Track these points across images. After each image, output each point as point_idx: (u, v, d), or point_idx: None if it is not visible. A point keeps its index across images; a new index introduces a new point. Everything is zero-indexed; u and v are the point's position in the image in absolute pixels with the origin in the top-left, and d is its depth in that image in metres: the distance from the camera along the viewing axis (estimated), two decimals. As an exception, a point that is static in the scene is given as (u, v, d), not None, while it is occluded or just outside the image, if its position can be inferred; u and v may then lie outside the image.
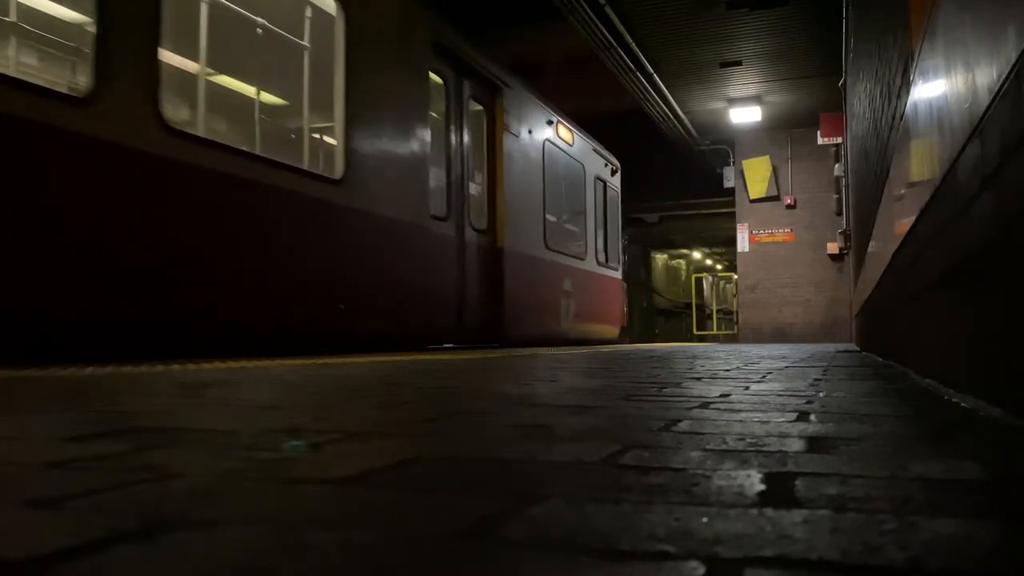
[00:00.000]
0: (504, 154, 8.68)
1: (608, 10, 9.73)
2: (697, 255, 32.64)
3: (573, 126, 11.23)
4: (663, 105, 13.43)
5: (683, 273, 33.39)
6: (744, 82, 12.80)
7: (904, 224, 2.97)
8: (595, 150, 12.22)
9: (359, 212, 6.05)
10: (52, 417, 1.59)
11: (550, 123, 10.21)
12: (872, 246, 5.56)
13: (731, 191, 15.67)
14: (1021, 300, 1.24)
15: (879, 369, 3.52)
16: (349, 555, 0.60)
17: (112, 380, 2.63)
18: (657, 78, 12.12)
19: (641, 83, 12.15)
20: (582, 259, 11.43)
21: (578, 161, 11.49)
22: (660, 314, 28.91)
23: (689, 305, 24.42)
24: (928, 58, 2.13)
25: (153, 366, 3.51)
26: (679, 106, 13.79)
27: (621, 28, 10.26)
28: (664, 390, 2.22)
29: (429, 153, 7.07)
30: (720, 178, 15.95)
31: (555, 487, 0.85)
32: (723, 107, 13.90)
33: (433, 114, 7.45)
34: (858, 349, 7.85)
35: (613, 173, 13.18)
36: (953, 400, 1.83)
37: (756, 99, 13.49)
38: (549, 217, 10.08)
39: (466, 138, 8.02)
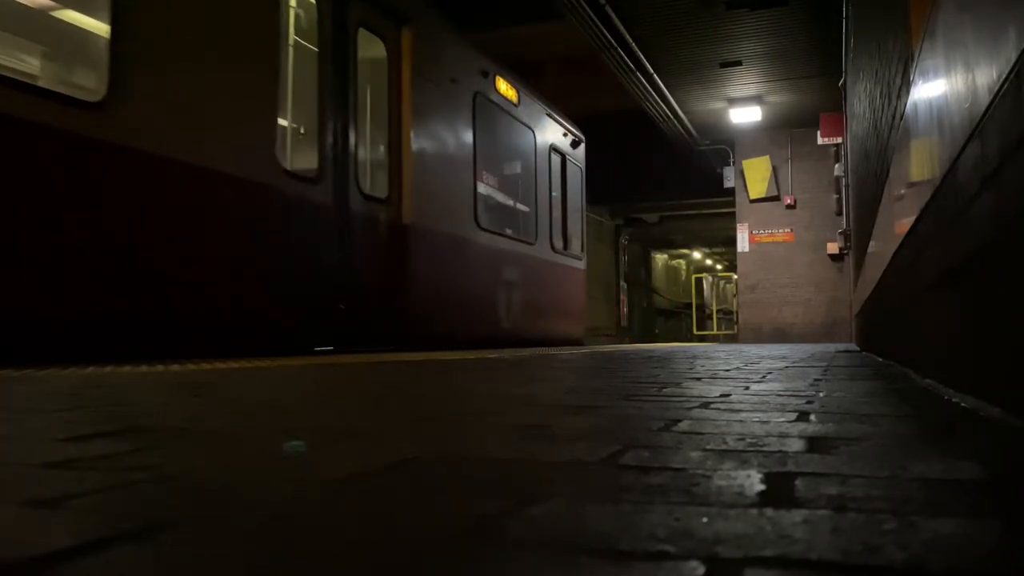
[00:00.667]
0: (412, 104, 6.79)
1: (608, 10, 9.73)
2: (697, 255, 32.65)
3: (519, 84, 9.44)
4: (663, 105, 13.43)
5: (683, 273, 33.41)
6: (744, 82, 12.80)
7: (904, 224, 2.97)
8: (550, 115, 10.47)
9: (140, 154, 4.26)
10: (52, 417, 1.59)
11: (485, 74, 8.39)
12: (872, 246, 5.55)
13: (731, 191, 15.67)
14: (1021, 300, 1.24)
15: (879, 369, 3.52)
16: (348, 555, 0.60)
17: (112, 380, 2.63)
18: (657, 78, 12.12)
19: (641, 83, 12.15)
20: (530, 244, 9.60)
21: (526, 125, 9.62)
22: (660, 314, 28.93)
23: (689, 305, 24.44)
24: (928, 58, 2.13)
25: (153, 366, 3.51)
26: (679, 106, 13.79)
27: (621, 28, 10.26)
28: (664, 390, 2.22)
29: (279, 87, 5.39)
30: (720, 178, 15.95)
31: (555, 487, 0.85)
32: (723, 107, 13.90)
33: (303, 42, 6.01)
34: (858, 349, 7.85)
35: (575, 145, 11.41)
36: (953, 400, 1.83)
37: (756, 99, 13.49)
38: (482, 190, 8.29)
39: (353, 78, 6.19)
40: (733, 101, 13.65)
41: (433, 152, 7.27)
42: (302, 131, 6.16)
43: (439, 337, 7.26)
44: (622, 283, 22.53)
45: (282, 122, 5.84)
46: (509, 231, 9.05)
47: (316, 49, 5.93)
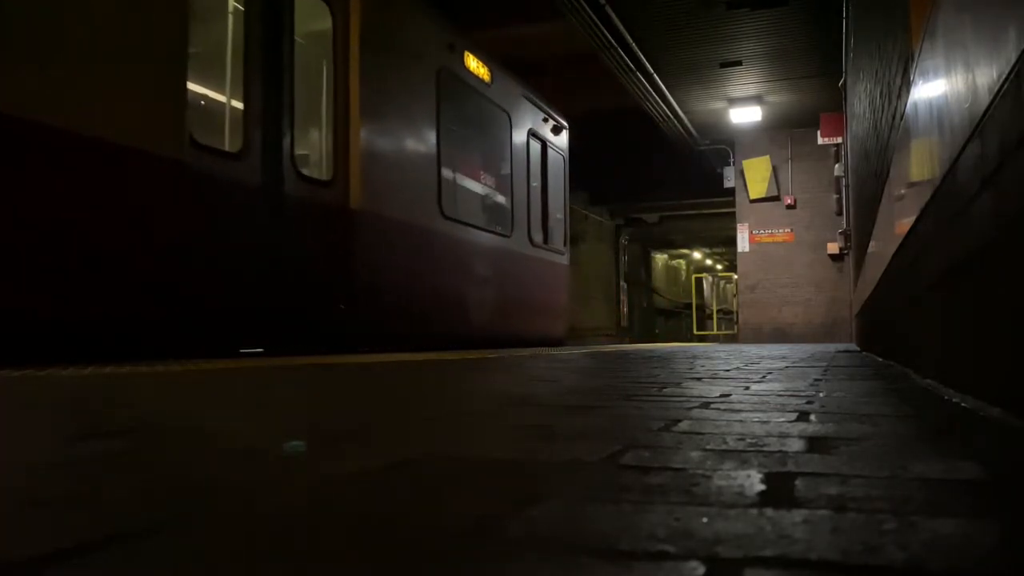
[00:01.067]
0: (362, 75, 6.01)
1: (608, 10, 9.73)
2: (697, 255, 32.65)
3: (493, 62, 8.56)
4: (663, 105, 13.43)
5: (683, 273, 33.41)
6: (744, 82, 12.80)
7: (904, 224, 2.97)
8: (528, 98, 9.65)
9: None
10: (52, 417, 1.59)
11: (451, 48, 7.59)
12: (872, 246, 5.56)
13: (731, 191, 15.68)
14: (1021, 300, 1.24)
15: (879, 369, 3.52)
16: (348, 555, 0.60)
17: (112, 380, 2.63)
18: (657, 78, 12.13)
19: (641, 83, 12.16)
20: (505, 236, 8.80)
21: (500, 107, 8.81)
22: (660, 314, 28.93)
23: (689, 305, 24.44)
24: (928, 58, 2.13)
25: (152, 365, 3.51)
26: (679, 106, 13.79)
27: (621, 28, 10.26)
28: (664, 390, 2.22)
29: (186, 41, 4.49)
30: (720, 178, 15.96)
31: (555, 487, 0.85)
32: (723, 107, 13.90)
33: (237, 3, 5.35)
34: (858, 349, 7.85)
35: (556, 132, 10.60)
36: (953, 400, 1.83)
37: (756, 99, 13.49)
38: (448, 176, 7.49)
39: (290, 41, 5.43)
40: (733, 101, 13.65)
41: (388, 132, 6.46)
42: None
43: (395, 337, 6.45)
44: (622, 283, 22.53)
45: (216, 96, 5.43)
46: (480, 221, 8.24)
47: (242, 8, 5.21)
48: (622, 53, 10.93)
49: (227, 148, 5.10)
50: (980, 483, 0.87)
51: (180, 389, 2.29)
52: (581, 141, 11.76)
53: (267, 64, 5.25)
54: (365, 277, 6.06)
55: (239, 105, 5.28)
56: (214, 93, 5.69)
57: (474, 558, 0.59)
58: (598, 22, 9.95)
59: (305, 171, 5.62)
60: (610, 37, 10.42)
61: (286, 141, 5.35)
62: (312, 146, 6.15)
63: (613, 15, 9.88)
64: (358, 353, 5.58)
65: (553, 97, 10.96)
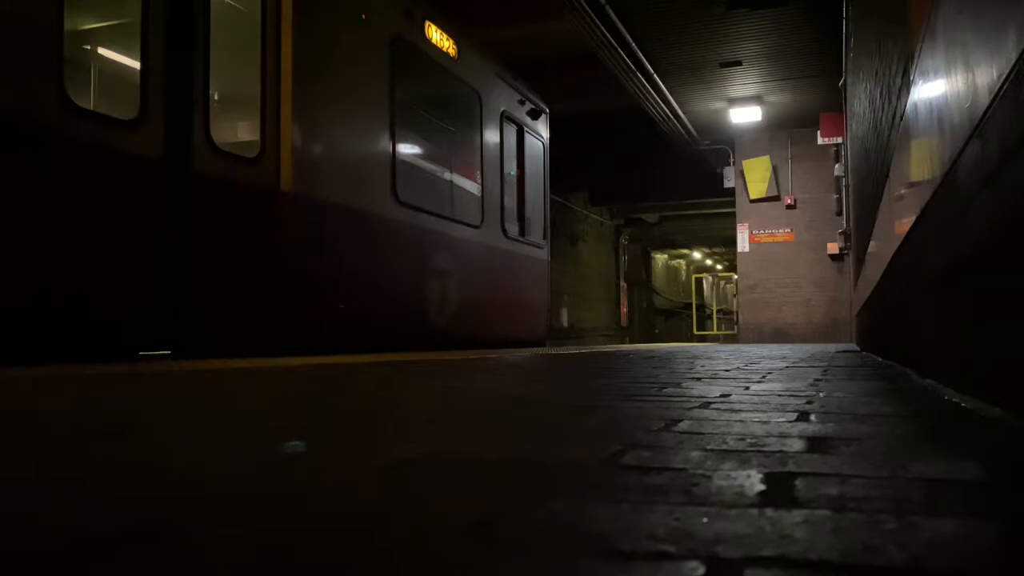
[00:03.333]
0: (297, 35, 5.33)
1: (608, 10, 9.72)
2: (697, 255, 32.67)
3: (460, 35, 7.93)
4: (663, 105, 13.43)
5: (683, 273, 33.43)
6: (744, 82, 12.80)
7: (904, 224, 2.97)
8: (501, 77, 8.95)
9: None
10: (53, 416, 1.59)
11: (408, 16, 6.91)
12: (872, 246, 5.56)
13: (731, 191, 15.67)
14: (1021, 300, 1.24)
15: (879, 369, 3.52)
16: (349, 555, 0.60)
17: (113, 379, 2.63)
18: (657, 78, 12.13)
19: (641, 83, 12.16)
20: (474, 227, 8.09)
21: (468, 85, 8.14)
22: (660, 314, 28.94)
23: (689, 305, 24.45)
24: (928, 58, 2.13)
25: (152, 365, 3.51)
26: (679, 106, 13.79)
27: (621, 28, 10.26)
28: (664, 390, 2.22)
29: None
30: (720, 178, 15.95)
31: (555, 487, 0.85)
32: (723, 107, 13.90)
33: None
34: (858, 349, 7.84)
35: (535, 116, 9.91)
36: (953, 400, 1.83)
37: (756, 99, 13.49)
38: (405, 158, 6.79)
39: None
40: (733, 101, 13.65)
41: (329, 104, 5.76)
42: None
43: (337, 338, 5.80)
44: (622, 283, 22.55)
45: (114, 55, 5.32)
46: (443, 210, 7.48)
47: None
48: (622, 53, 10.93)
49: (116, 114, 4.38)
50: (980, 483, 0.87)
51: (180, 389, 2.28)
52: (582, 141, 11.72)
53: (174, 15, 4.58)
54: (296, 269, 5.36)
55: (137, 65, 4.58)
56: (109, 51, 5.40)
57: (474, 558, 0.59)
58: (598, 22, 9.94)
59: (224, 145, 4.94)
60: (610, 37, 10.42)
61: (198, 109, 4.65)
62: (240, 118, 5.61)
63: (613, 15, 9.87)
64: (287, 356, 4.89)
65: (553, 97, 10.95)
